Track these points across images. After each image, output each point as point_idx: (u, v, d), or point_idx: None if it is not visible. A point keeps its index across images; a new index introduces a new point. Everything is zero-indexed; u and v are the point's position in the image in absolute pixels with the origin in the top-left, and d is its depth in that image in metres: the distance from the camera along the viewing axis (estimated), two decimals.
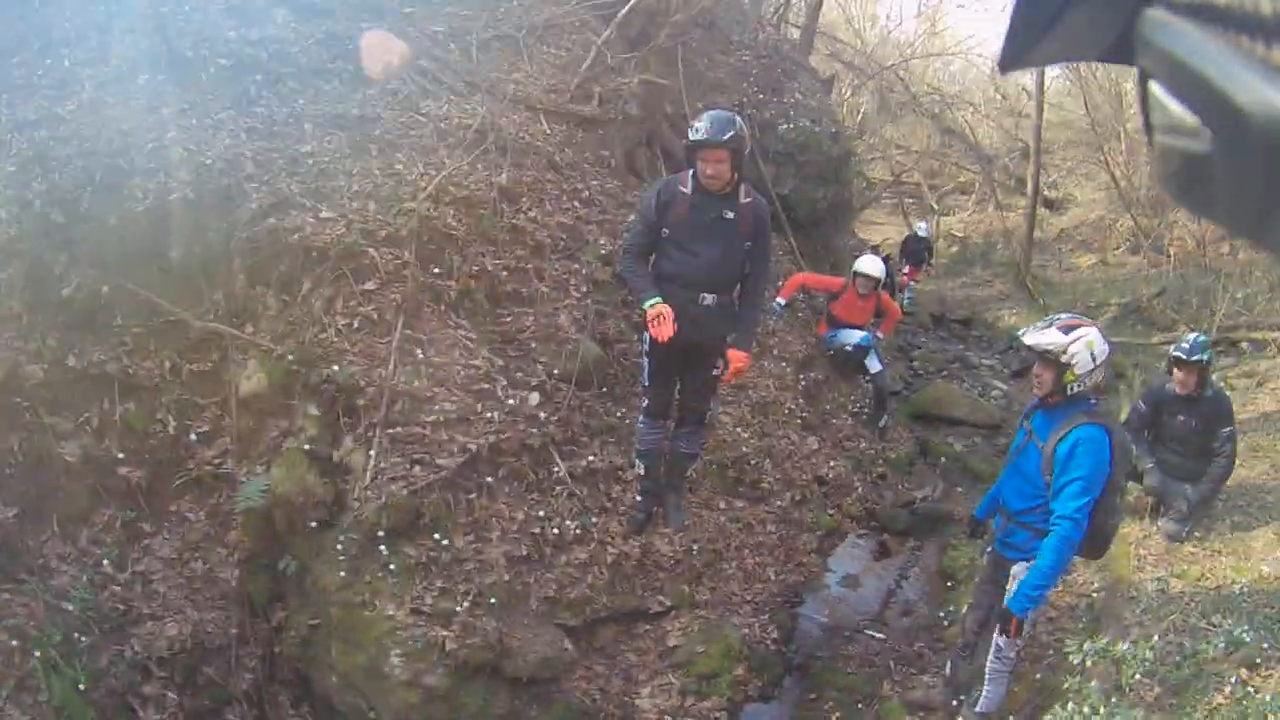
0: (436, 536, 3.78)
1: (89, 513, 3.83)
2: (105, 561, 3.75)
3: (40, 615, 3.50)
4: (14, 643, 3.42)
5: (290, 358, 3.97)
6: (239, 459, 3.91)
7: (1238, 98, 0.36)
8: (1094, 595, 4.67)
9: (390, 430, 3.86)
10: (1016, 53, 0.53)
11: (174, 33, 4.94)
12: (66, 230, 4.10)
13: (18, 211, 4.08)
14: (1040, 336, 3.17)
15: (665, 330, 3.63)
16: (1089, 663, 3.36)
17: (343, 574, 3.73)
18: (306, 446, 3.84)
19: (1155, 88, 0.44)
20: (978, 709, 3.80)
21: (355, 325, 3.98)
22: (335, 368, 3.93)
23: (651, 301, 3.68)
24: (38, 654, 3.41)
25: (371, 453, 3.80)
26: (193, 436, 4.02)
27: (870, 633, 5.28)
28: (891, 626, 5.40)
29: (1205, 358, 4.72)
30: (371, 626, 3.72)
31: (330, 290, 4.09)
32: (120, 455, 3.90)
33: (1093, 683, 3.45)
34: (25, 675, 3.40)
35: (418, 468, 3.82)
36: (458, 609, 3.77)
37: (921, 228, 14.07)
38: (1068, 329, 3.17)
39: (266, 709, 3.90)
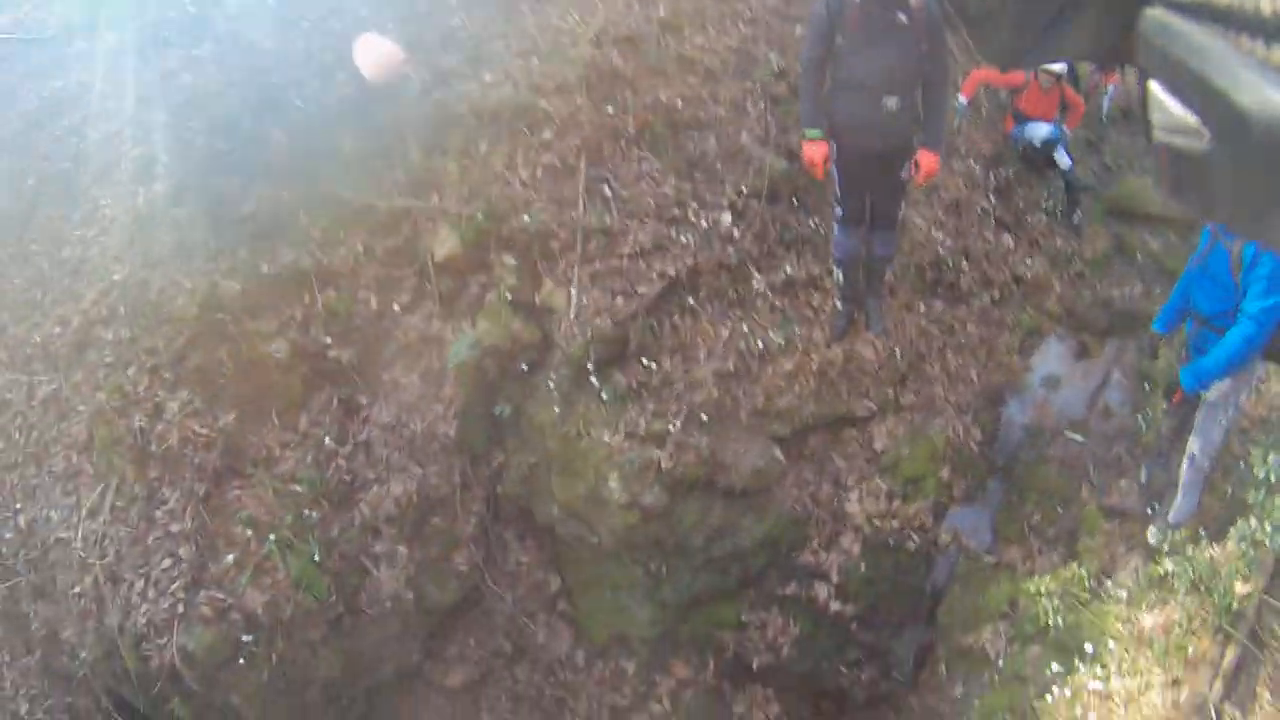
0: (644, 362, 3.94)
1: (305, 399, 4.14)
2: (326, 439, 4.05)
3: (270, 501, 3.88)
4: (248, 532, 3.82)
5: (479, 216, 4.12)
6: (444, 320, 4.15)
7: (1238, 98, 0.36)
8: None
9: (588, 267, 3.99)
10: (1017, 52, 0.52)
11: None
12: (233, 155, 4.34)
13: (182, 150, 4.35)
14: None
15: (816, 172, 3.72)
16: (1274, 477, 3.15)
17: (557, 410, 3.97)
18: (508, 296, 4.03)
19: (1155, 87, 0.44)
20: (1170, 518, 3.67)
21: (539, 175, 4.07)
22: (525, 218, 4.05)
23: (812, 134, 3.67)
24: (272, 537, 3.77)
25: (572, 291, 3.96)
26: (396, 308, 4.26)
27: (1071, 435, 5.12)
28: (1092, 430, 5.20)
29: None
30: (588, 455, 3.97)
31: (508, 147, 4.17)
32: (328, 340, 4.17)
33: (1277, 498, 3.24)
34: (262, 559, 3.80)
35: (619, 299, 3.95)
36: (670, 429, 3.96)
37: None
38: None
39: (493, 548, 4.34)
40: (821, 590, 4.45)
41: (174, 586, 3.77)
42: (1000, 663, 4.17)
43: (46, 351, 4.46)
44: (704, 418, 3.95)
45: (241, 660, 3.73)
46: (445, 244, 4.08)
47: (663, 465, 3.96)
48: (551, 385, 3.89)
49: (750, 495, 4.34)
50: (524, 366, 3.94)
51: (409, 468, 3.95)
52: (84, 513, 4.01)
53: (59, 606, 4.13)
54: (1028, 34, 0.53)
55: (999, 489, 5.24)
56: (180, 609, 3.75)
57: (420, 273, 4.12)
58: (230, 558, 3.76)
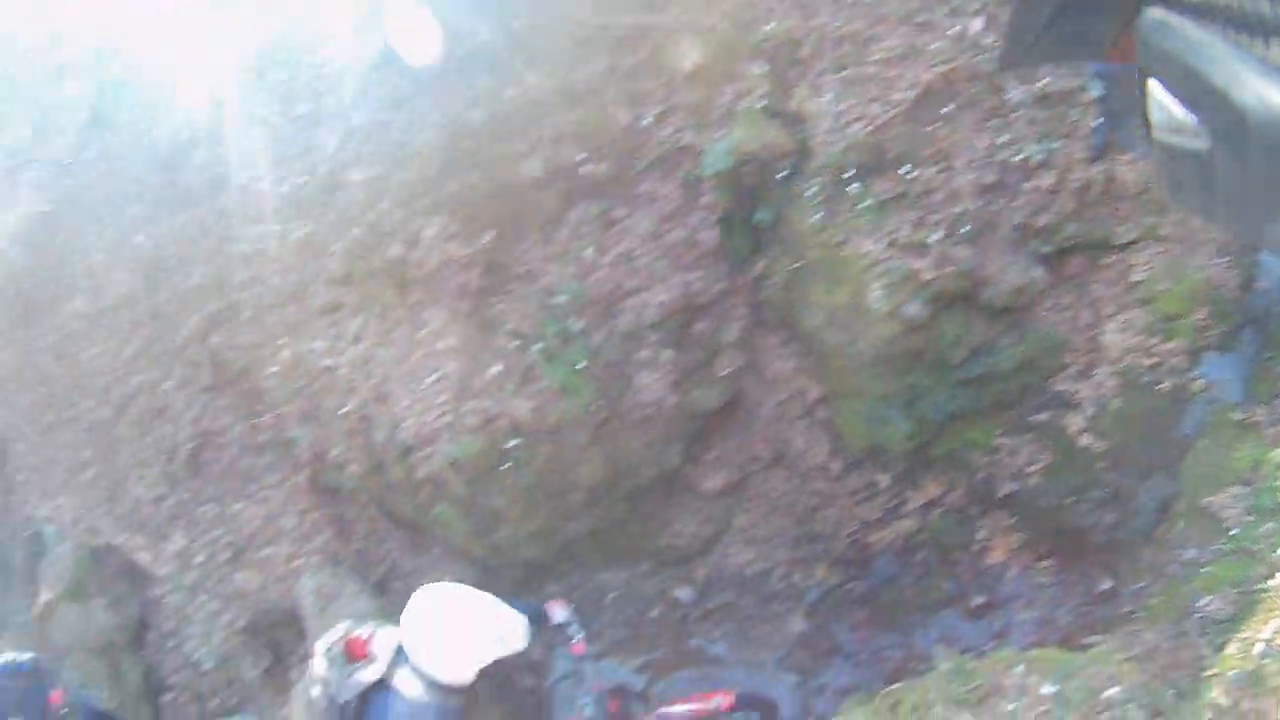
0: (903, 170, 3.78)
1: (562, 214, 4.20)
2: (587, 251, 4.12)
3: (533, 314, 3.99)
4: (514, 344, 3.96)
5: (723, 26, 4.02)
6: (697, 130, 4.11)
7: (1237, 97, 0.37)
8: None
9: (839, 74, 3.83)
10: (1017, 52, 0.56)
11: None
12: None
13: None
14: None
15: None
16: None
17: (818, 217, 3.90)
18: (761, 104, 3.94)
19: (1155, 87, 0.45)
20: None
21: None
22: (769, 25, 3.92)
23: None
24: (537, 347, 3.90)
25: (825, 98, 3.82)
26: (646, 121, 4.27)
27: None
28: None
29: None
30: (850, 264, 3.90)
31: None
32: (580, 156, 4.23)
33: None
34: (527, 369, 3.96)
35: (874, 106, 3.80)
36: (931, 240, 3.82)
37: None
38: None
39: (755, 354, 4.35)
40: (1074, 421, 4.26)
41: (440, 400, 3.96)
42: (1233, 532, 3.90)
43: (297, 200, 4.71)
44: (964, 230, 3.77)
45: (507, 466, 3.90)
46: (690, 56, 4.02)
47: (924, 276, 3.85)
48: (812, 192, 3.81)
49: (1010, 313, 4.20)
50: (782, 173, 3.86)
51: (671, 276, 3.98)
52: (349, 341, 4.26)
53: (326, 428, 4.44)
54: (1027, 34, 0.52)
55: (1254, 340, 4.84)
56: (447, 420, 3.94)
57: (668, 85, 4.07)
58: (495, 369, 3.90)
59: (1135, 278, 4.26)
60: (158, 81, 6.10)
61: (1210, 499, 4.11)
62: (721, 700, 3.65)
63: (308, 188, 4.65)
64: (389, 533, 4.71)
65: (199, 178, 5.54)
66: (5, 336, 7.74)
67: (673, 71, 4.17)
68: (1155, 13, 0.43)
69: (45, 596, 6.94)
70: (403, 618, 2.77)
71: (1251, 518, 3.91)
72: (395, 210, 4.21)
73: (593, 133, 4.21)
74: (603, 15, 4.22)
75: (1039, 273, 3.99)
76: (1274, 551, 3.45)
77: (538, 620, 3.20)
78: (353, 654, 2.81)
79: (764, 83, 3.96)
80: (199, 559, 5.63)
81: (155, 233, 5.80)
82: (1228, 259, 4.59)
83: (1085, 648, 3.98)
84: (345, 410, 4.22)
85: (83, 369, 6.37)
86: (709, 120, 4.11)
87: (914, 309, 3.87)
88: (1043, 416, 4.22)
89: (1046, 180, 3.91)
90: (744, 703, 3.81)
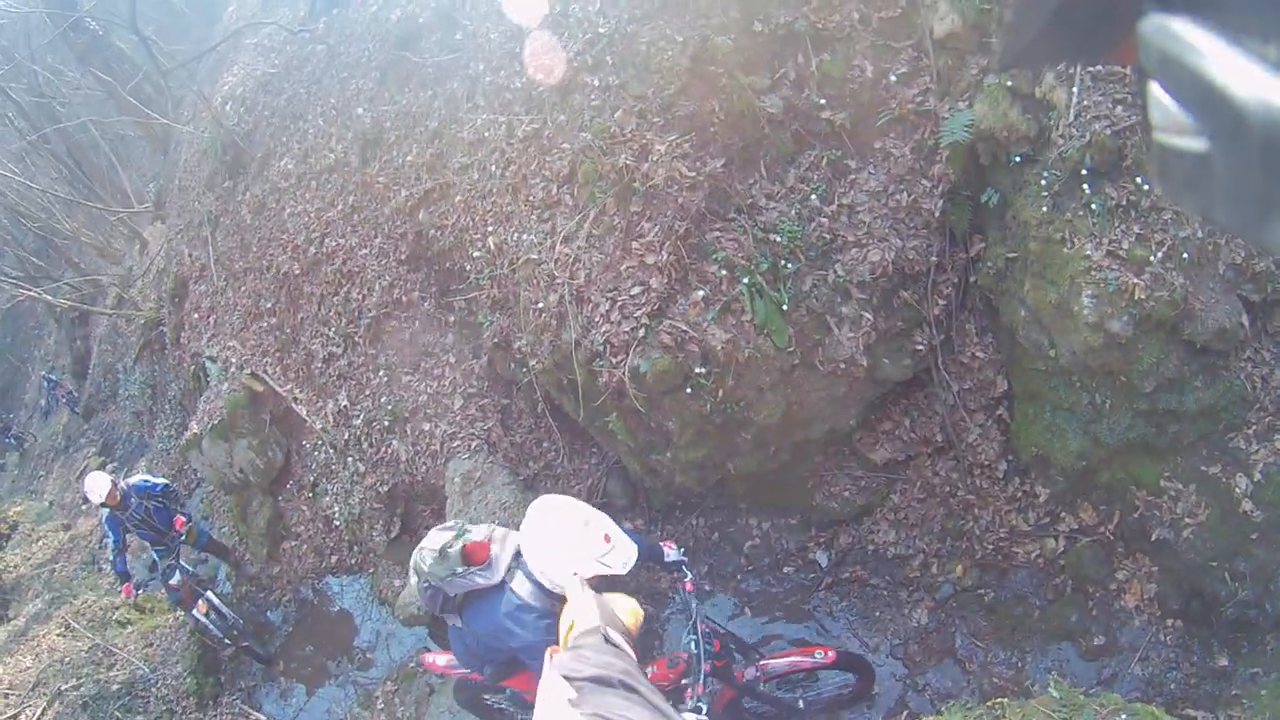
0: (1138, 180, 3.57)
1: (794, 155, 4.22)
2: (813, 197, 4.14)
3: (749, 247, 3.97)
4: (723, 272, 3.95)
5: None
6: (940, 97, 4.00)
7: (1237, 97, 0.38)
8: None
9: (1090, 69, 3.60)
10: (1017, 52, 0.53)
11: None
12: None
13: None
14: None
15: None
16: None
17: (1044, 209, 3.74)
18: (1008, 83, 3.77)
19: (1154, 87, 0.44)
20: None
21: None
22: None
23: None
24: (745, 280, 3.89)
25: (1074, 90, 3.62)
26: (892, 78, 4.18)
27: None
28: None
29: None
30: (1067, 264, 3.74)
31: None
32: (821, 101, 4.21)
33: None
34: (731, 299, 3.94)
35: (1119, 108, 3.58)
36: (1151, 258, 3.61)
37: None
38: None
39: (953, 335, 4.22)
40: (1241, 482, 3.98)
41: (639, 312, 4.02)
42: None
43: (528, 96, 4.83)
44: (1185, 256, 3.54)
45: (689, 390, 3.94)
46: (945, 20, 3.90)
47: (1137, 294, 3.66)
48: (1043, 183, 3.68)
49: (1208, 354, 3.95)
50: (1017, 157, 3.71)
51: (889, 238, 3.93)
52: (559, 238, 4.36)
53: (517, 319, 4.58)
54: (1026, 34, 0.51)
55: None
56: (641, 334, 4.00)
57: (918, 46, 3.98)
58: (700, 294, 3.93)
59: None
60: None
61: None
62: (823, 655, 3.63)
63: (542, 85, 4.75)
64: (552, 433, 4.85)
65: (429, 60, 5.76)
66: (211, 184, 8.34)
67: (925, 33, 4.05)
68: (1156, 13, 0.43)
69: (194, 429, 7.52)
70: (523, 523, 2.85)
71: None
72: (630, 120, 4.25)
73: (838, 80, 4.18)
74: None
75: (1245, 319, 3.72)
76: None
77: (651, 556, 3.24)
78: (472, 557, 2.93)
79: None
80: (357, 421, 5.98)
81: (377, 107, 6.08)
82: None
83: (1186, 718, 3.79)
84: (540, 305, 4.34)
85: (282, 225, 6.79)
86: (954, 89, 4.01)
87: (1120, 325, 3.70)
88: (1214, 469, 3.95)
89: None
90: (844, 663, 3.79)
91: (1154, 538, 4.22)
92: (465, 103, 5.22)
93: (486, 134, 4.96)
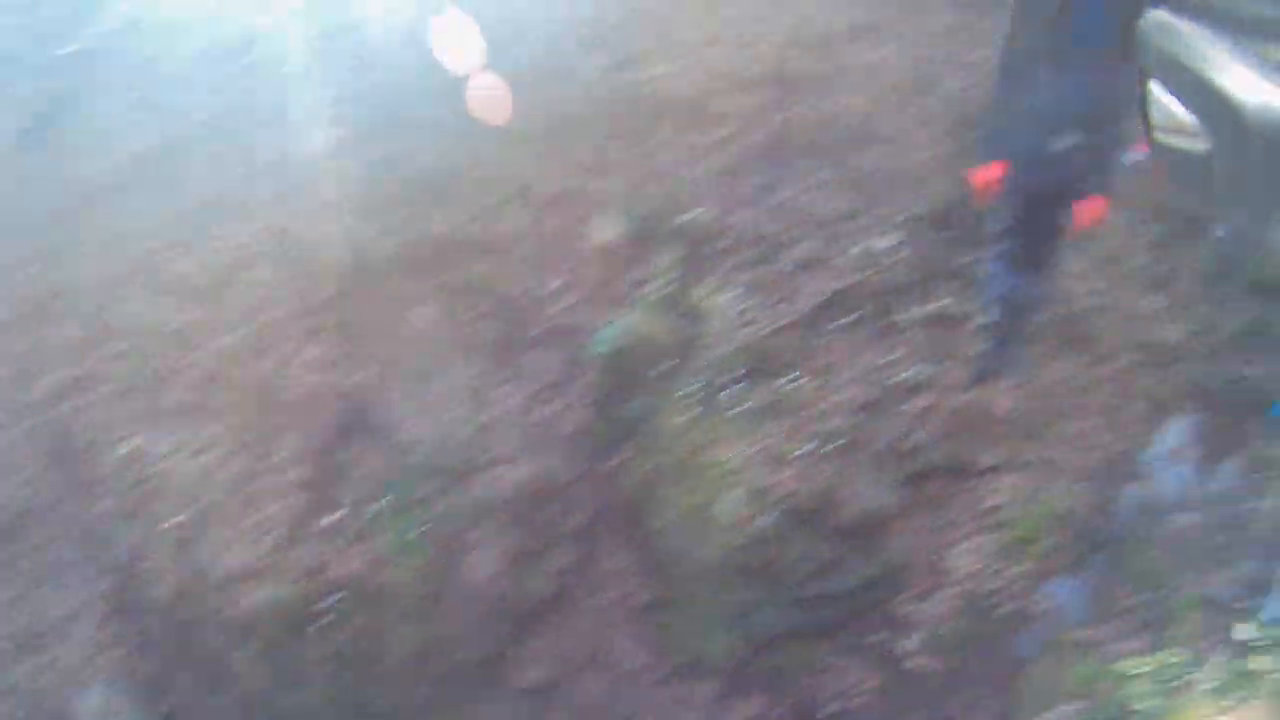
0: (787, 379, 3.81)
1: (445, 369, 4.09)
2: (455, 412, 3.95)
3: (383, 468, 3.83)
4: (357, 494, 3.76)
5: (645, 207, 4.04)
6: (595, 307, 4.07)
7: (1237, 97, 0.41)
8: None
9: (747, 273, 3.88)
10: (1017, 52, 0.64)
11: None
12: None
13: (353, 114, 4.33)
14: None
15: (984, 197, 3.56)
16: None
17: (690, 416, 3.85)
18: (664, 292, 3.94)
19: (1154, 87, 0.46)
20: (1264, 616, 3.42)
21: (710, 171, 3.97)
22: (690, 215, 3.95)
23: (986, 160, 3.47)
24: (382, 501, 3.76)
25: (728, 296, 3.85)
26: (548, 289, 4.20)
27: (1180, 517, 4.88)
28: (1204, 513, 4.94)
29: None
30: (711, 469, 3.83)
31: (683, 139, 4.08)
32: (477, 311, 4.16)
33: None
34: (367, 524, 3.74)
35: (772, 310, 3.84)
36: (798, 453, 3.80)
37: None
38: None
39: (598, 547, 4.17)
40: (909, 643, 4.27)
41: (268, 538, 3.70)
42: None
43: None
44: (834, 444, 3.79)
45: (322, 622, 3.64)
46: (607, 230, 4.02)
47: (781, 490, 3.83)
48: (689, 390, 3.78)
49: (859, 535, 4.19)
50: (666, 366, 3.83)
51: (533, 453, 3.89)
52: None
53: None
54: (1026, 34, 0.54)
55: (1103, 564, 5.00)
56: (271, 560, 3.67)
57: (578, 255, 4.05)
58: (334, 516, 3.69)
59: (993, 502, 4.37)
60: None
61: (1040, 718, 4.15)
62: None
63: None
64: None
65: None
66: None
67: (586, 242, 4.15)
68: (1156, 14, 0.45)
69: None
70: None
71: None
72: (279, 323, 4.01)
73: (493, 290, 4.16)
74: (529, 173, 4.22)
75: (893, 498, 4.03)
76: None
77: None
78: None
79: (672, 270, 3.96)
80: None
81: None
82: (1087, 486, 4.79)
83: None
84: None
85: None
86: (609, 298, 4.09)
87: (764, 522, 3.81)
88: (878, 637, 4.20)
89: (922, 402, 3.99)
90: None
91: (825, 713, 4.23)
92: None
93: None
